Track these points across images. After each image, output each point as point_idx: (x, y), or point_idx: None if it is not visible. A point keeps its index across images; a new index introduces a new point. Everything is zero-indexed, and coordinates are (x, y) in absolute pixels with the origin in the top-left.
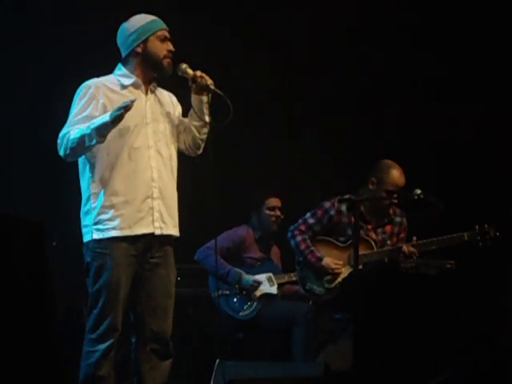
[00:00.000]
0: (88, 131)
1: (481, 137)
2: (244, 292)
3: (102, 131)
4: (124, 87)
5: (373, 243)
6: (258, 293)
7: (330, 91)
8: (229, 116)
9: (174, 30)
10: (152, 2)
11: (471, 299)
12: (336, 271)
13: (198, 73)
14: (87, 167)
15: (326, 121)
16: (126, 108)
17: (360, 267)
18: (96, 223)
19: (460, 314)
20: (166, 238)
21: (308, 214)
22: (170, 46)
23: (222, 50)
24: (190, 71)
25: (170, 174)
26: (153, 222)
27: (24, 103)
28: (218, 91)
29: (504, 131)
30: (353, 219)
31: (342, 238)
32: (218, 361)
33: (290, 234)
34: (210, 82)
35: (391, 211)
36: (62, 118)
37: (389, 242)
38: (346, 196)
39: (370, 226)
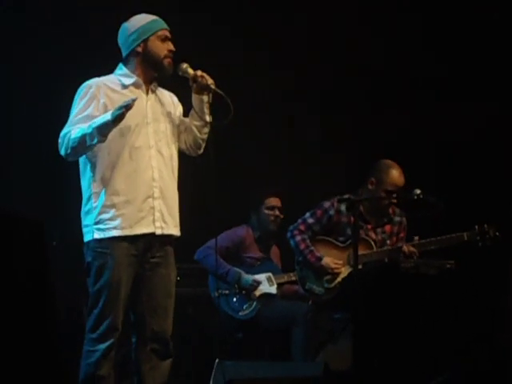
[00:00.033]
0: (89, 130)
1: (481, 137)
2: (243, 292)
3: (103, 130)
4: (125, 87)
5: (372, 243)
6: (257, 292)
7: (329, 91)
8: (229, 116)
9: (173, 30)
10: (152, 2)
11: (471, 299)
12: (335, 271)
13: (199, 72)
14: (88, 167)
15: (326, 121)
16: (128, 107)
17: (359, 267)
18: (97, 223)
19: (460, 314)
20: (166, 238)
21: (307, 214)
22: (171, 46)
23: (222, 50)
24: (190, 71)
25: (170, 174)
26: (154, 221)
27: (24, 103)
28: (218, 91)
29: (504, 131)
30: (352, 219)
31: (341, 238)
32: (217, 360)
33: (289, 234)
34: (210, 81)
35: (391, 211)
36: (62, 118)
37: (388, 242)
38: (346, 196)
39: (369, 226)
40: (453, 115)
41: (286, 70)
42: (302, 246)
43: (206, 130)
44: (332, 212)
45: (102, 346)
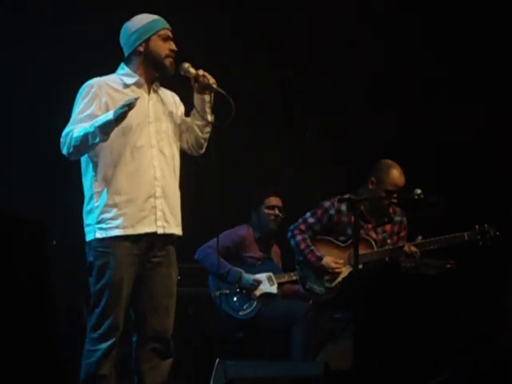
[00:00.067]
0: (91, 129)
1: (481, 137)
2: (244, 291)
3: (105, 129)
4: (127, 86)
5: (373, 242)
6: (258, 292)
7: (330, 91)
8: (231, 115)
9: (173, 30)
10: (152, 2)
11: (471, 299)
12: (336, 270)
13: (201, 72)
14: (90, 166)
15: (326, 121)
16: (130, 106)
17: (360, 267)
18: (99, 222)
19: (460, 314)
20: (168, 237)
21: (308, 214)
22: (173, 46)
23: (222, 50)
24: (192, 70)
25: (172, 173)
26: (155, 221)
27: (24, 103)
28: (220, 90)
29: (504, 131)
30: (353, 219)
31: (341, 238)
32: (218, 360)
33: (289, 234)
34: (212, 81)
35: (391, 210)
36: (62, 118)
37: (389, 241)
38: (346, 195)
39: (370, 226)
40: (453, 115)
41: (286, 69)
42: (303, 246)
43: (208, 129)
44: (332, 212)
45: (104, 346)
